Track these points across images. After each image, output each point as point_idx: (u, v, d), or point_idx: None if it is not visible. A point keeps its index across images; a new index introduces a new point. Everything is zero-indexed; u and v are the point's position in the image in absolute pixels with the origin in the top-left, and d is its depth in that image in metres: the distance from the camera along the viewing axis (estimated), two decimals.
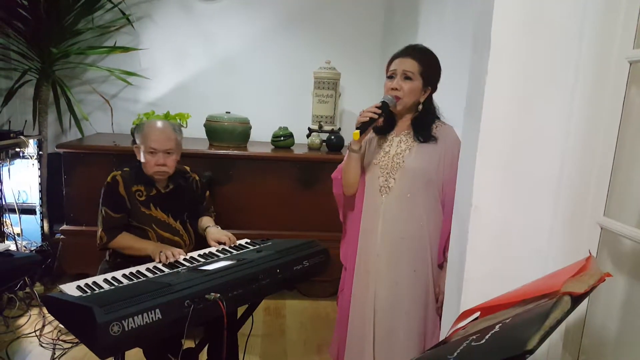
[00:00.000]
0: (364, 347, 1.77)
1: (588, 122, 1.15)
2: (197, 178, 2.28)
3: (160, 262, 1.87)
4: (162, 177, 2.09)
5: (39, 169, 3.10)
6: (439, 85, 1.78)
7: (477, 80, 1.22)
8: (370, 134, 1.83)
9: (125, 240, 2.02)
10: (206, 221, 2.22)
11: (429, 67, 1.71)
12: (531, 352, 0.73)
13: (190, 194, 2.23)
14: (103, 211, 2.03)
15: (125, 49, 3.42)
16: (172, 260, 1.87)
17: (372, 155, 1.81)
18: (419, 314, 1.74)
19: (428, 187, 1.71)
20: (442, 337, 1.39)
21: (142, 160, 2.06)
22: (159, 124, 2.09)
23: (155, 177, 2.08)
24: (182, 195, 2.18)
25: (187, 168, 2.26)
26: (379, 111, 1.66)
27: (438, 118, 1.78)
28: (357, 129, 1.67)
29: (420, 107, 1.74)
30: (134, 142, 2.13)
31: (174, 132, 2.10)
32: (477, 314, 1.07)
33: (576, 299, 0.86)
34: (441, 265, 1.75)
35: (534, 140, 1.19)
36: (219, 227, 2.16)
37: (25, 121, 3.18)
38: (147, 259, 1.96)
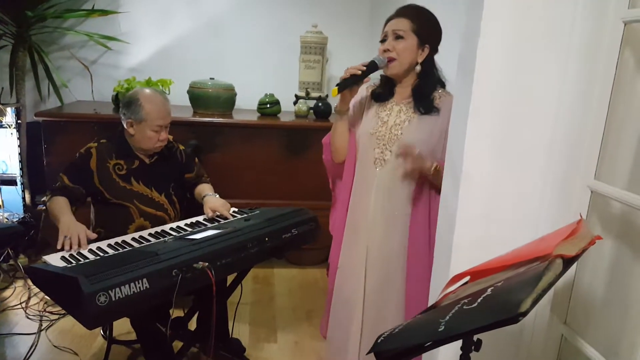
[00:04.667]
0: (352, 322, 1.72)
1: (581, 84, 1.13)
2: (181, 148, 2.22)
3: (63, 246, 1.65)
4: (159, 149, 2.03)
5: (18, 138, 3.01)
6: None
7: (470, 42, 1.18)
8: (368, 100, 1.74)
9: (54, 204, 1.85)
10: (204, 189, 2.16)
11: (422, 23, 1.60)
12: (524, 314, 0.73)
13: (175, 164, 2.16)
14: (60, 176, 1.94)
15: (104, 12, 3.28)
16: (73, 249, 1.63)
17: (369, 123, 1.70)
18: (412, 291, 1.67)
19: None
20: (431, 302, 1.40)
21: (142, 136, 1.96)
22: (160, 98, 2.00)
23: (149, 150, 2.02)
24: (167, 165, 2.11)
25: (171, 137, 2.17)
26: (363, 69, 1.56)
27: (442, 84, 1.67)
28: (336, 85, 1.58)
29: (419, 67, 1.62)
30: (120, 113, 2.00)
31: (169, 102, 2.04)
32: (467, 278, 1.07)
33: (568, 262, 0.86)
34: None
35: (526, 104, 1.17)
36: (217, 196, 2.10)
37: (2, 88, 3.07)
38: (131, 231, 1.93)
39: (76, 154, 1.99)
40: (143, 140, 1.97)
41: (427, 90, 1.63)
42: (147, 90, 2.01)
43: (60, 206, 1.84)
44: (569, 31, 1.13)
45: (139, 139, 1.98)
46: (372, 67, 1.58)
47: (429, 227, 1.66)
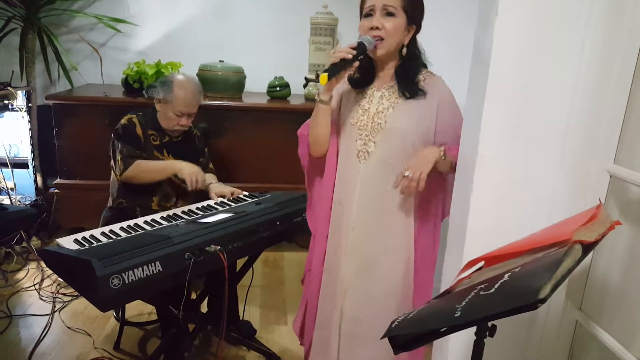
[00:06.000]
0: (331, 327, 1.56)
1: (600, 66, 1.09)
2: (198, 134, 2.35)
3: (190, 186, 1.97)
4: (177, 132, 2.18)
5: (29, 121, 3.02)
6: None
7: (486, 23, 1.15)
8: (346, 87, 1.55)
9: (145, 164, 2.03)
10: (209, 177, 2.24)
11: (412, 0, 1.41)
12: (543, 301, 0.72)
13: (194, 148, 2.30)
14: (119, 145, 2.05)
15: None
16: (198, 185, 1.98)
17: (349, 113, 1.51)
18: (393, 298, 1.51)
19: (414, 151, 1.43)
20: (444, 287, 1.40)
21: (164, 115, 2.11)
22: (192, 87, 2.13)
23: (168, 130, 2.16)
24: (188, 146, 2.25)
25: None
26: (354, 52, 1.35)
27: (425, 66, 1.50)
28: (325, 71, 1.36)
29: (405, 50, 1.44)
30: (153, 92, 2.16)
31: (200, 95, 2.17)
32: (481, 263, 1.06)
33: (587, 247, 0.84)
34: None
35: (543, 86, 1.14)
36: (222, 184, 2.20)
37: (13, 72, 3.06)
38: (149, 205, 2.07)
39: (117, 126, 2.10)
40: (164, 119, 2.13)
41: (412, 74, 1.46)
42: (183, 77, 2.15)
43: (156, 161, 2.06)
44: (588, 8, 1.09)
45: (161, 117, 2.14)
46: (361, 49, 1.38)
47: (434, 226, 1.53)
